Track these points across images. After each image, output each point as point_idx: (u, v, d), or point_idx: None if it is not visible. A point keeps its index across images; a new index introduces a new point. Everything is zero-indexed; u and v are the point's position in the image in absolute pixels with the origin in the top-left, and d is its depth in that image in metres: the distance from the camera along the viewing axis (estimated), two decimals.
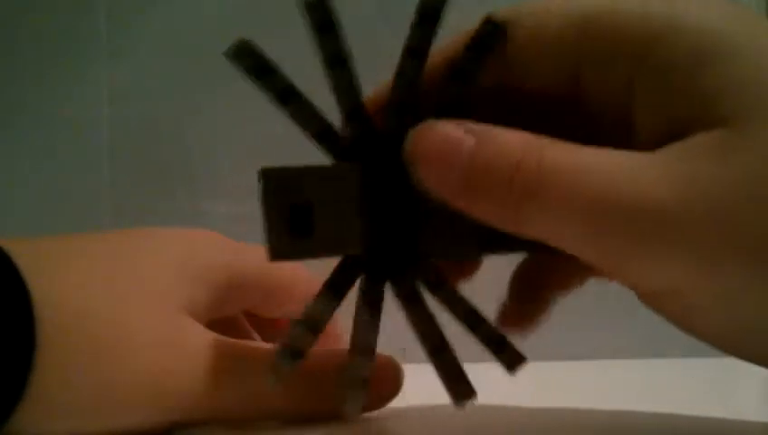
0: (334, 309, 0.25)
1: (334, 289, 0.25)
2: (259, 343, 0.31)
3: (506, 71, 0.23)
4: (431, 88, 0.24)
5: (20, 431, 0.23)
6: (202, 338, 0.27)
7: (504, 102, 0.24)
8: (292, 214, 0.24)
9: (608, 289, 0.43)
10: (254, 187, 0.26)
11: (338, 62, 0.24)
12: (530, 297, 0.27)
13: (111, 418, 0.25)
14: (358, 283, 0.25)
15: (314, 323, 0.24)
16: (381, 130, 0.25)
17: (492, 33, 0.23)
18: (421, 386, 0.27)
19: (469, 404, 0.24)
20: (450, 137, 0.21)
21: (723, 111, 0.20)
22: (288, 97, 0.24)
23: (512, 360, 0.25)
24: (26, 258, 0.24)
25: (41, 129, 0.43)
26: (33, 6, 0.43)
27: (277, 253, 0.24)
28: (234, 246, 0.30)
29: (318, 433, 0.27)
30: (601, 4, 0.22)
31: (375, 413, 0.28)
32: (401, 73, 0.24)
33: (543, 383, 0.36)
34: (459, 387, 0.25)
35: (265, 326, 0.32)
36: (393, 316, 0.25)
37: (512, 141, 0.21)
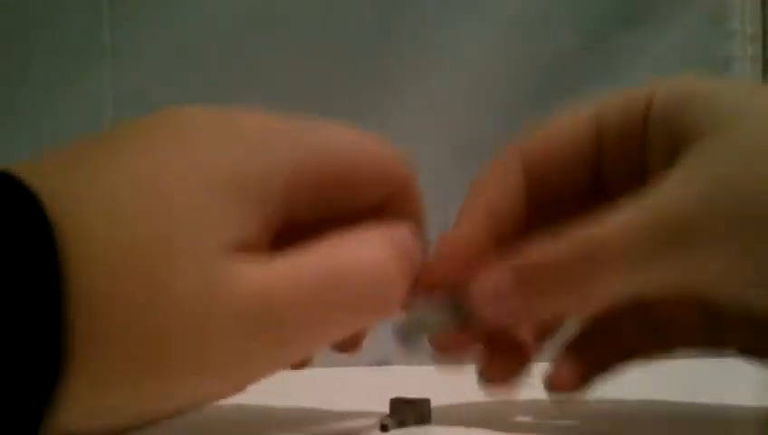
0: None
1: None
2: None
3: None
4: None
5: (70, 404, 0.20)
6: (246, 289, 0.21)
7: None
8: None
9: None
10: None
11: None
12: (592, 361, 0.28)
13: (157, 387, 0.21)
14: None
15: None
16: None
17: None
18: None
19: None
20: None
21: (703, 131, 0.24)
22: None
23: None
24: (50, 194, 0.21)
25: (44, 132, 0.44)
26: (37, 12, 0.44)
27: None
28: (297, 130, 0.24)
29: (319, 429, 0.27)
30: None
31: None
32: None
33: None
34: None
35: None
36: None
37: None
